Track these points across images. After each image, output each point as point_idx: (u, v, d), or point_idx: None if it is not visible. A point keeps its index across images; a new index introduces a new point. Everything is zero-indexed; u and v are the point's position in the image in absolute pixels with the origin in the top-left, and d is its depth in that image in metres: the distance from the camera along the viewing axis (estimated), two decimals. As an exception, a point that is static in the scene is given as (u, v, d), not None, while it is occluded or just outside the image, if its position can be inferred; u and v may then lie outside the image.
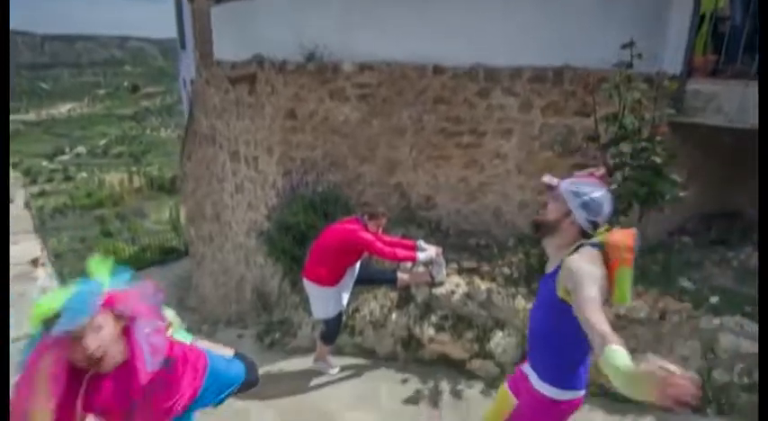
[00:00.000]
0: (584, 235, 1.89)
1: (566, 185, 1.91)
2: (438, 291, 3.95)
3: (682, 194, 3.84)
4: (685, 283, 4.12)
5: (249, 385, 2.28)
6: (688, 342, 3.57)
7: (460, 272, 4.16)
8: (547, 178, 1.99)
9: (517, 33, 4.53)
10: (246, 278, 6.83)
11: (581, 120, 4.36)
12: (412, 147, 5.07)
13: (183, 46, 14.39)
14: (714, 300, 3.87)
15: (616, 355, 1.43)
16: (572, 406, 1.98)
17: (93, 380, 1.51)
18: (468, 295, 3.88)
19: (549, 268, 1.98)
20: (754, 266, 4.36)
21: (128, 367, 1.58)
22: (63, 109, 77.24)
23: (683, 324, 3.62)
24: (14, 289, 2.48)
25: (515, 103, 4.74)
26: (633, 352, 3.59)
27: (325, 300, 3.60)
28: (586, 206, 1.84)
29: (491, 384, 3.71)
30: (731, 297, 3.90)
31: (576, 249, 1.84)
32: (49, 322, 1.33)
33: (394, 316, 4.07)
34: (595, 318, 1.57)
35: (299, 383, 3.78)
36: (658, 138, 3.90)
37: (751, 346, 3.45)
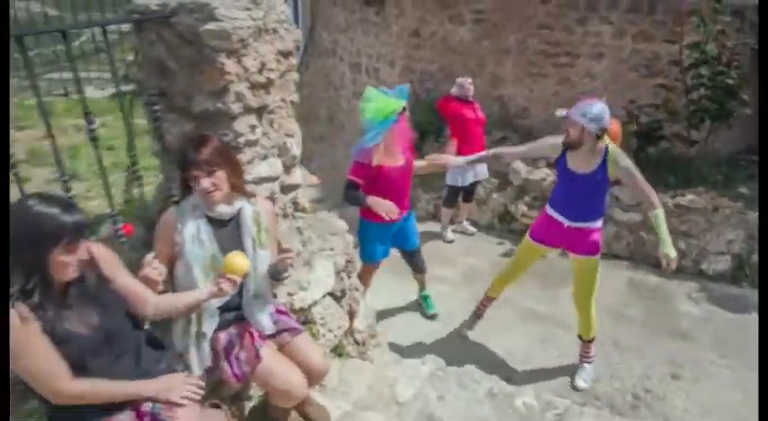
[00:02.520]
0: (599, 137, 2.75)
1: (573, 113, 2.72)
2: (532, 176, 5.12)
3: (748, 111, 4.64)
4: (743, 189, 5.02)
5: None
6: (735, 230, 4.56)
7: (549, 166, 5.28)
8: (558, 112, 2.87)
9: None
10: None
11: (667, 46, 5.12)
12: (514, 64, 6.03)
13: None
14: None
15: (661, 214, 2.76)
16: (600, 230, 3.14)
17: None
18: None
19: (586, 169, 2.85)
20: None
21: None
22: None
23: (732, 216, 4.59)
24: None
25: (610, 30, 5.54)
26: (688, 234, 4.63)
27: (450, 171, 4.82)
28: (593, 120, 2.68)
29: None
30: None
31: (606, 152, 2.79)
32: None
33: (494, 195, 5.32)
34: (648, 189, 2.79)
35: (424, 239, 5.15)
36: (735, 63, 4.68)
37: (781, 233, 4.44)
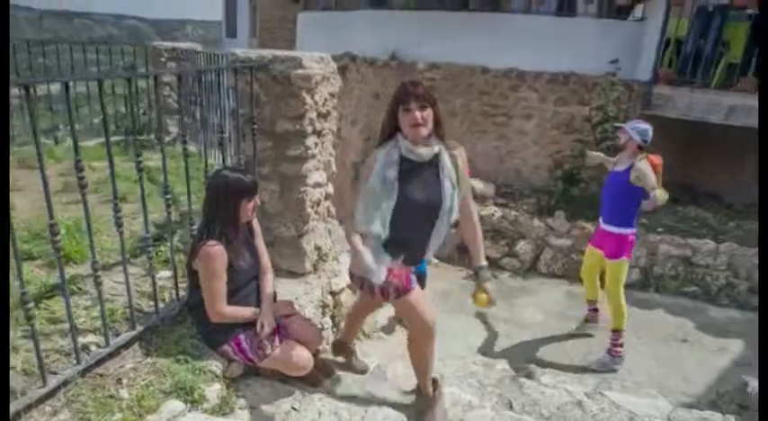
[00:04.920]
0: (640, 148, 3.66)
1: (627, 125, 3.79)
2: (483, 212, 6.12)
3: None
4: (643, 219, 6.31)
5: None
6: (640, 248, 5.73)
7: (497, 204, 6.33)
8: (619, 125, 3.94)
9: (541, 49, 6.67)
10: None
11: (580, 108, 6.51)
12: (461, 124, 7.21)
13: (234, 35, 16.40)
14: (660, 229, 6.08)
15: (661, 191, 3.57)
16: (632, 239, 3.84)
17: None
18: (503, 216, 6.05)
19: (620, 168, 3.75)
20: (692, 216, 6.52)
21: None
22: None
23: (637, 238, 5.79)
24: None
25: (536, 96, 6.89)
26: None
27: None
28: (639, 133, 3.66)
29: (515, 273, 5.90)
30: (671, 229, 6.09)
31: (640, 160, 3.61)
32: None
33: (452, 230, 6.24)
34: (654, 183, 3.54)
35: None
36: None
37: (678, 251, 5.65)
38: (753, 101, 5.41)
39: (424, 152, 2.06)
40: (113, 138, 5.76)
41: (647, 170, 3.60)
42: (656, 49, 6.51)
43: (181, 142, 2.40)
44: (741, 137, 5.85)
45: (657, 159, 3.76)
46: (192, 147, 5.34)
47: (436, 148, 2.08)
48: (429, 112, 2.02)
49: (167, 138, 6.47)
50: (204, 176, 2.50)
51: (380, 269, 2.00)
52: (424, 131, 2.02)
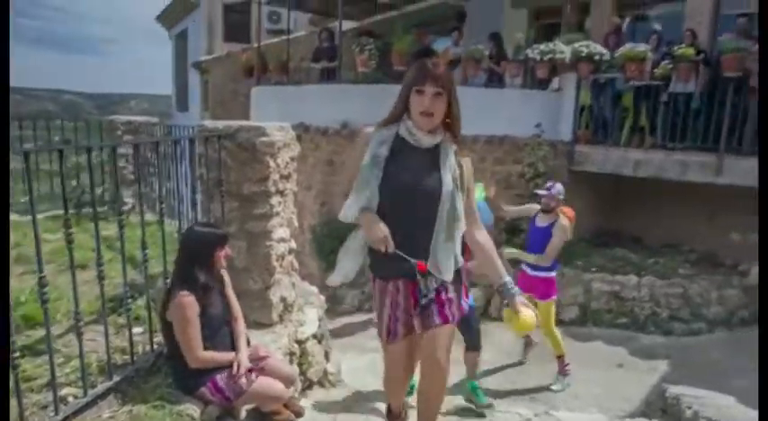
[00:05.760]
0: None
1: (552, 191, 4.39)
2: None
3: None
4: (579, 262, 6.88)
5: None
6: (576, 286, 6.26)
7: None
8: (542, 193, 4.51)
9: (477, 116, 7.36)
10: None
11: (515, 166, 7.20)
12: (408, 184, 7.74)
13: (185, 108, 16.81)
14: (593, 269, 6.65)
15: (522, 257, 4.44)
16: (554, 279, 4.49)
17: None
18: (453, 267, 6.46)
19: (544, 224, 4.42)
20: (619, 256, 7.16)
21: None
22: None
23: (574, 278, 6.33)
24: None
25: (476, 157, 7.55)
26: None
27: None
28: (561, 194, 4.39)
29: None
30: (602, 268, 6.68)
31: (562, 218, 4.34)
32: None
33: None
34: (553, 248, 4.31)
35: (356, 328, 6.11)
36: (554, 175, 6.79)
37: (608, 287, 6.21)
38: (652, 155, 6.43)
39: (424, 138, 1.85)
40: (62, 211, 5.88)
41: (568, 232, 4.36)
42: (572, 114, 7.42)
43: (159, 209, 2.62)
44: (649, 186, 6.72)
45: (571, 212, 4.53)
46: (149, 216, 5.53)
47: (438, 138, 1.87)
48: (443, 100, 1.81)
49: (124, 208, 6.59)
50: (178, 235, 2.75)
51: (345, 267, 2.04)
52: (432, 122, 1.83)
